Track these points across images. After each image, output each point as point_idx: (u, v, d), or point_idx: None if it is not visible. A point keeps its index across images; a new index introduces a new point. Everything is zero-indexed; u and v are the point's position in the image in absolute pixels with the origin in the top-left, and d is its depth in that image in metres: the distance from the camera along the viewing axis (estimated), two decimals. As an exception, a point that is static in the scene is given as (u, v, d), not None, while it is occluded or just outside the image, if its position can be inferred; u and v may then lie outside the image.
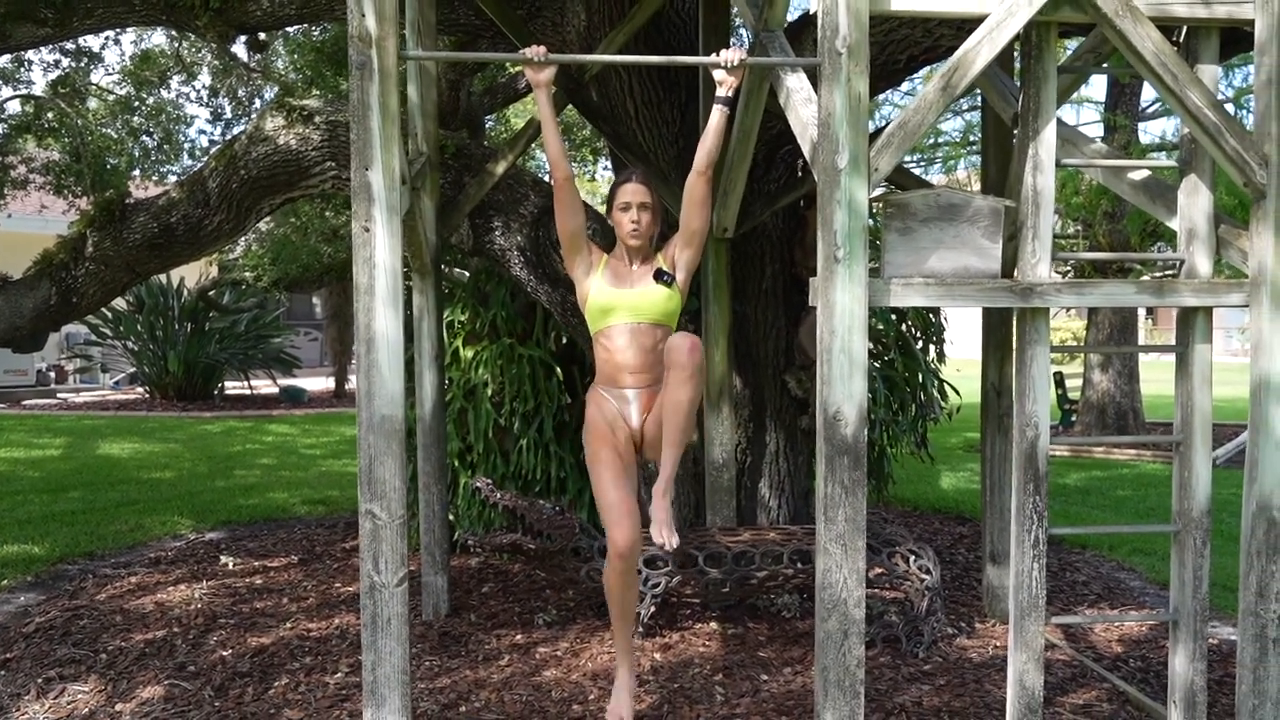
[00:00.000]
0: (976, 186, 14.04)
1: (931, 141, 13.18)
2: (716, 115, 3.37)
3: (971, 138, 13.13)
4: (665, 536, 3.45)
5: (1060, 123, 3.39)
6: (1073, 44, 6.21)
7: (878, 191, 3.58)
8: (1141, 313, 16.70)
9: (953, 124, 14.69)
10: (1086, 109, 20.12)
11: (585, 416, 3.73)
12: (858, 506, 3.06)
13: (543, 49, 3.25)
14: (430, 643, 4.81)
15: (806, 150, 3.24)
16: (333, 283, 14.97)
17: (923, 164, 13.50)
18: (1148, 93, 12.91)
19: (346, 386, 18.45)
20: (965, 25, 4.27)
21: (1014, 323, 3.52)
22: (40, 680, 4.38)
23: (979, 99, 11.48)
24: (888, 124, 3.20)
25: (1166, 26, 3.32)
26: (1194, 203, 3.39)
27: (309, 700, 4.12)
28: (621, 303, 3.46)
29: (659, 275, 3.47)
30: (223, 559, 6.44)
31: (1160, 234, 11.53)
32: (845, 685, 3.08)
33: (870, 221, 3.58)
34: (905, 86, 12.52)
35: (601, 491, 3.60)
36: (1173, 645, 3.49)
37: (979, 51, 3.11)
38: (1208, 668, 3.51)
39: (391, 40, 3.06)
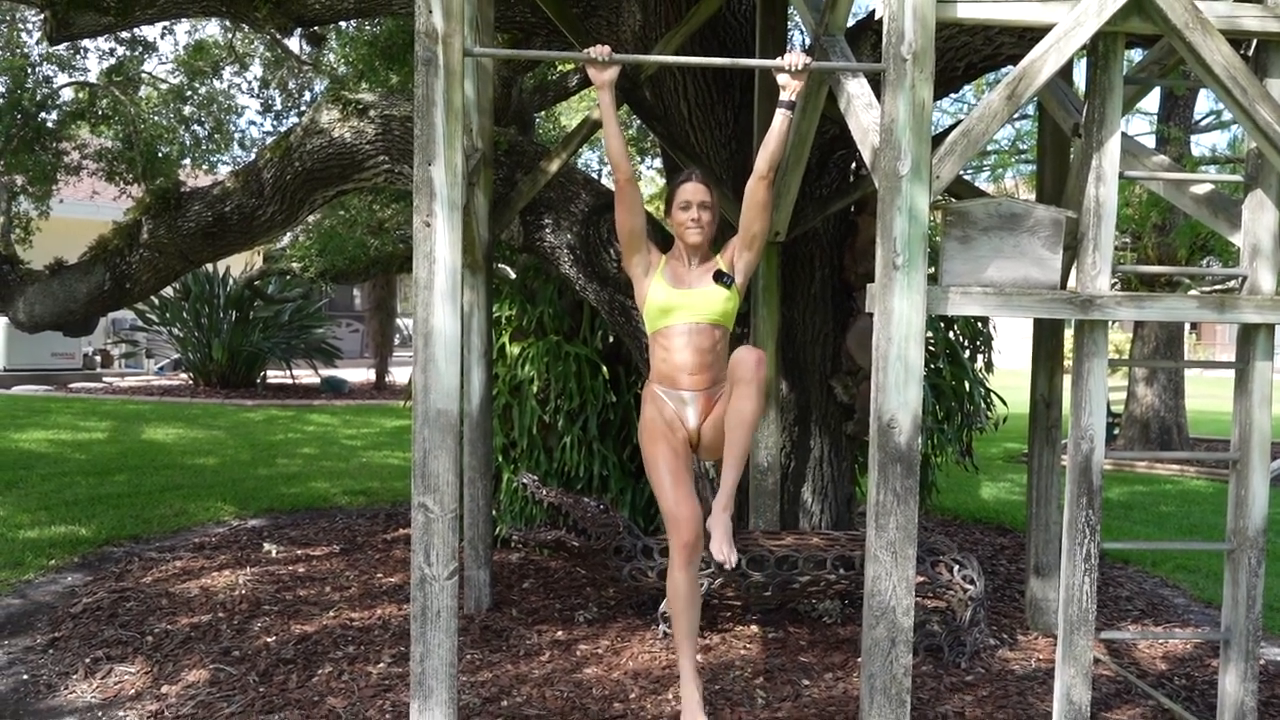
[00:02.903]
0: (1023, 195, 13.93)
1: (980, 149, 13.02)
2: (780, 119, 3.37)
3: (1021, 146, 12.99)
4: (725, 553, 3.45)
5: (1123, 135, 3.36)
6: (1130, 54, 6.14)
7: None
8: (1186, 326, 16.47)
9: (1002, 132, 14.55)
10: (1138, 120, 19.88)
11: (642, 416, 3.71)
12: (909, 515, 3.05)
13: (607, 49, 3.26)
14: (472, 636, 4.84)
15: (867, 156, 3.23)
16: (378, 275, 15.07)
17: (970, 172, 13.38)
18: (1201, 105, 12.74)
19: (387, 379, 18.55)
20: (1027, 34, 4.24)
21: (1070, 335, 3.49)
22: (88, 660, 4.44)
23: (1028, 107, 11.38)
24: (942, 132, 3.18)
25: (1235, 40, 3.28)
26: (1258, 219, 3.35)
27: (352, 689, 4.15)
28: (681, 303, 3.45)
29: (719, 276, 3.47)
30: (265, 546, 6.50)
31: (1210, 248, 11.34)
32: (891, 693, 3.07)
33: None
34: (953, 94, 12.40)
35: (663, 492, 3.59)
36: (1223, 664, 3.45)
37: (1045, 61, 3.09)
38: (1258, 688, 3.47)
39: (458, 37, 3.08)
